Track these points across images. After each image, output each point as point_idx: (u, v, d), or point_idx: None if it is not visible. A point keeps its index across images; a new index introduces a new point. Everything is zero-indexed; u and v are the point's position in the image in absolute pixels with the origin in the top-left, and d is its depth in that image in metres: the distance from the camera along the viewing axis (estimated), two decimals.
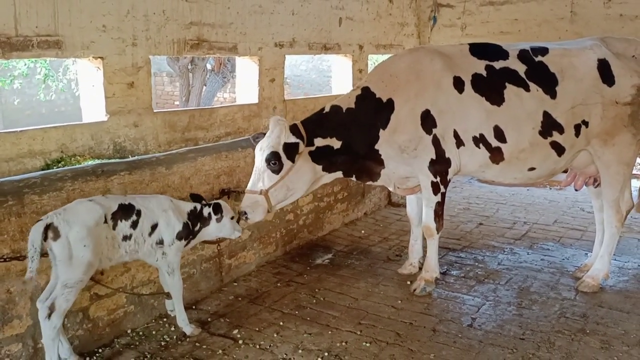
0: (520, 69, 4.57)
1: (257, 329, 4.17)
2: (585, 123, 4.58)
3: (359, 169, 4.66)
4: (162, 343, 3.97)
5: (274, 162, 4.18)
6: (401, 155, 4.56)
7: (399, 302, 4.64)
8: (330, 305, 4.58)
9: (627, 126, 4.60)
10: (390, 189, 4.99)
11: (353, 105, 4.51)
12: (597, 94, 4.57)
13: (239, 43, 7.50)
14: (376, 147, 4.54)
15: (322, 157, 4.41)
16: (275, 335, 4.09)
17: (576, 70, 4.59)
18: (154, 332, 4.11)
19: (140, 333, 4.10)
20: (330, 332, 4.13)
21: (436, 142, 4.51)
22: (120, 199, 3.62)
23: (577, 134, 4.59)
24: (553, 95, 4.53)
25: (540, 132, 4.53)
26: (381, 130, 4.51)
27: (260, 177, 4.25)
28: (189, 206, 3.97)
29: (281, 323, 4.26)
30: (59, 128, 5.72)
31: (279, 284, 4.96)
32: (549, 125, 4.53)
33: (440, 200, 4.67)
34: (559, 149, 4.59)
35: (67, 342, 3.51)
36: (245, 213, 4.20)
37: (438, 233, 4.79)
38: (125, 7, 6.05)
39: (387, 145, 4.54)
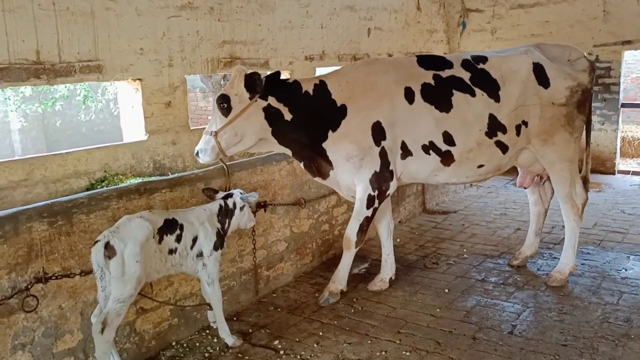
0: (465, 76, 4.72)
1: (297, 340, 4.24)
2: (525, 123, 4.81)
3: (307, 158, 4.67)
4: (206, 354, 4.07)
5: (223, 104, 4.30)
6: (347, 163, 4.58)
7: (438, 310, 4.65)
8: (368, 314, 4.62)
9: (563, 125, 4.87)
10: (343, 194, 5.00)
11: (310, 91, 4.54)
12: (535, 95, 4.78)
13: (271, 58, 7.65)
14: (324, 145, 4.56)
15: (274, 120, 4.41)
16: (315, 345, 4.15)
17: (515, 74, 4.79)
18: (197, 344, 4.22)
19: (185, 345, 4.21)
20: (369, 342, 4.17)
21: (383, 154, 4.56)
22: (165, 214, 3.77)
23: (518, 133, 4.81)
24: (497, 99, 4.71)
25: (486, 133, 4.72)
26: (330, 132, 4.54)
27: (214, 120, 4.40)
28: (216, 206, 4.07)
29: (321, 333, 4.32)
30: (102, 149, 5.96)
31: (316, 294, 5.01)
32: (494, 127, 4.73)
33: (370, 215, 4.68)
34: (503, 147, 4.81)
35: (118, 356, 3.64)
36: (198, 153, 4.35)
37: (356, 247, 4.79)
38: (161, 30, 6.27)
39: (334, 148, 4.57)
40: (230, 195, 4.15)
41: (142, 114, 6.24)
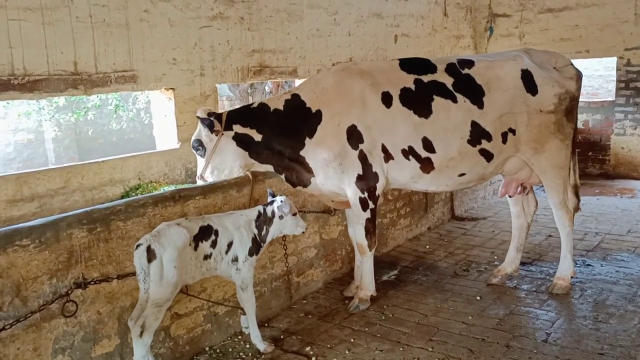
0: (448, 81, 4.66)
1: (328, 346, 4.25)
2: (512, 131, 4.75)
3: (286, 169, 4.72)
4: None
5: (198, 147, 4.62)
6: (327, 168, 4.60)
7: (470, 317, 4.62)
8: (399, 321, 4.61)
9: (554, 133, 4.80)
10: (323, 200, 5.02)
11: (281, 108, 4.64)
12: (522, 102, 4.70)
13: (299, 66, 7.73)
14: (302, 153, 4.61)
15: (246, 145, 4.60)
16: (347, 352, 4.16)
17: (501, 81, 4.71)
18: (230, 350, 4.26)
19: (218, 350, 4.26)
20: (401, 349, 4.16)
21: (363, 158, 4.55)
22: (200, 221, 3.83)
23: (505, 141, 4.74)
24: (480, 105, 4.64)
25: (468, 141, 4.65)
26: (307, 139, 4.59)
27: (199, 165, 4.71)
28: (254, 212, 4.12)
29: (352, 340, 4.33)
30: (136, 157, 6.10)
31: (347, 301, 5.02)
32: (478, 134, 4.65)
33: (370, 216, 4.68)
34: (487, 156, 4.74)
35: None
36: None
37: (371, 250, 4.79)
38: (193, 40, 6.40)
39: (313, 155, 4.61)
40: (272, 203, 4.18)
41: (175, 123, 6.37)
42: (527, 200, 5.38)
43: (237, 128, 4.60)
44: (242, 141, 4.61)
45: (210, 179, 4.62)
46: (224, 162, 4.61)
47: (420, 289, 5.25)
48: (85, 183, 5.65)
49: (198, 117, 4.60)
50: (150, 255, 3.45)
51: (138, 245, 3.48)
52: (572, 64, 5.01)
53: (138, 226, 3.80)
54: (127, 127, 14.66)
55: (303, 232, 4.32)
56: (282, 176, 4.79)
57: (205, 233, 3.79)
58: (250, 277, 4.03)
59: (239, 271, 3.97)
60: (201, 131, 4.62)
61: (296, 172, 4.72)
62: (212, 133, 4.55)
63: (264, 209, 4.14)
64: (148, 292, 3.48)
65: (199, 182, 4.66)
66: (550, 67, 4.92)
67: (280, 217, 4.10)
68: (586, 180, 9.67)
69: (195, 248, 3.71)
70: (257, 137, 4.61)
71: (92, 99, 12.35)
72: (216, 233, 3.84)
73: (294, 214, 4.15)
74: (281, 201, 4.14)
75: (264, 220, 4.11)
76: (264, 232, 4.10)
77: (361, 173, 4.58)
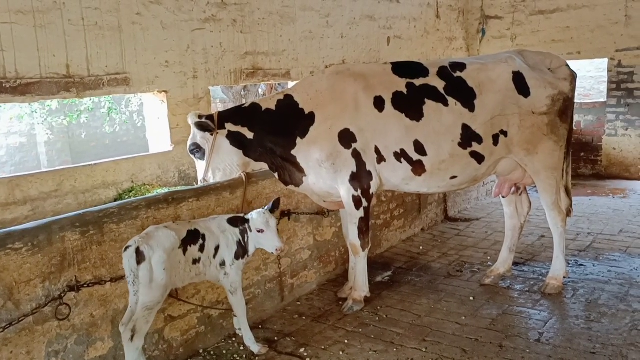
0: (440, 85, 4.69)
1: (322, 347, 4.26)
2: (504, 132, 4.75)
3: (279, 167, 4.77)
4: None
5: (196, 150, 4.67)
6: (319, 168, 4.64)
7: (463, 318, 4.64)
8: (393, 322, 4.62)
9: (547, 135, 4.80)
10: (314, 200, 5.05)
11: (273, 107, 4.70)
12: (513, 104, 4.72)
13: (292, 68, 7.75)
14: (293, 152, 4.66)
15: (240, 143, 4.66)
16: (341, 353, 4.16)
17: (493, 83, 4.73)
18: (224, 352, 4.26)
19: (212, 353, 4.25)
20: (395, 350, 4.17)
21: (356, 155, 4.59)
22: (187, 225, 3.83)
23: (496, 143, 4.76)
24: (472, 108, 4.67)
25: (459, 144, 4.67)
26: (299, 139, 4.63)
27: (199, 171, 4.75)
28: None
29: (346, 341, 4.34)
30: (129, 160, 6.09)
31: (341, 302, 5.03)
32: (468, 137, 4.67)
33: (363, 215, 4.70)
34: (478, 158, 4.75)
35: None
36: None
37: (364, 250, 4.80)
38: (186, 43, 6.41)
39: (304, 155, 4.65)
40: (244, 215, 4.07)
41: (168, 125, 6.37)
42: (521, 200, 5.41)
43: (230, 126, 4.65)
44: (235, 139, 4.65)
45: (212, 180, 4.64)
46: (222, 161, 4.65)
47: (413, 289, 5.27)
48: (78, 186, 5.64)
49: (192, 123, 4.61)
50: (139, 257, 3.44)
51: (127, 248, 3.47)
52: (566, 65, 5.02)
53: (131, 229, 3.80)
54: (121, 130, 14.61)
55: (273, 253, 4.06)
56: (276, 175, 4.82)
57: (193, 237, 3.78)
58: (239, 281, 4.02)
59: (227, 275, 3.96)
60: (196, 134, 4.64)
61: (288, 171, 4.76)
62: (207, 133, 4.58)
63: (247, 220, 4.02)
64: (138, 295, 3.47)
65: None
66: (545, 68, 4.94)
67: (259, 230, 3.94)
68: (578, 181, 9.73)
69: (184, 252, 3.70)
70: (249, 134, 4.66)
71: (84, 102, 12.30)
72: (203, 237, 3.83)
73: (259, 231, 3.92)
74: (258, 214, 3.97)
75: (243, 229, 4.00)
76: (246, 240, 4.02)
77: (355, 171, 4.60)
